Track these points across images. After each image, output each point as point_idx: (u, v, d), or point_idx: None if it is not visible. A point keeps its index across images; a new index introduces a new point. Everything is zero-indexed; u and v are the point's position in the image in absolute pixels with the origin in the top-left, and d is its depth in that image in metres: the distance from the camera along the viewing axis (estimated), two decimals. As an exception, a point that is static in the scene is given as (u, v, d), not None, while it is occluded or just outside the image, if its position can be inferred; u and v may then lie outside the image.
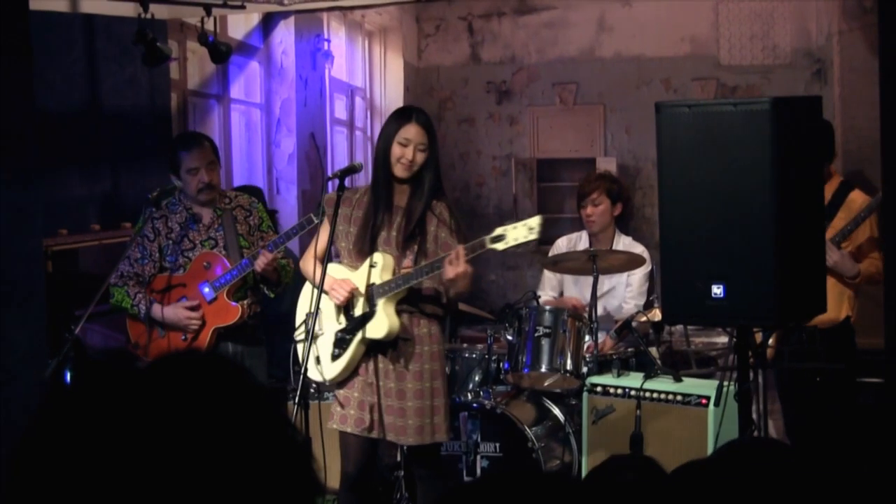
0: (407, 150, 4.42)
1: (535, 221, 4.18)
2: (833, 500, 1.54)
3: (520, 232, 4.18)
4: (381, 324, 4.38)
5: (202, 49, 6.74)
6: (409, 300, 4.47)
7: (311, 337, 4.37)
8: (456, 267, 4.19)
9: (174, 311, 5.03)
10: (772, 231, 3.79)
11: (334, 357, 4.46)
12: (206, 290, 5.07)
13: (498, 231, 4.22)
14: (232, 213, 5.22)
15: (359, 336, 4.42)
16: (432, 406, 4.46)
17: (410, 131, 4.44)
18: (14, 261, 4.44)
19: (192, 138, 5.29)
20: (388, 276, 4.40)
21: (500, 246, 4.22)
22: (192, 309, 5.03)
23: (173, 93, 7.32)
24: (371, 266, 4.43)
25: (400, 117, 4.52)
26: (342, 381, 4.51)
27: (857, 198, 5.39)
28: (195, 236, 5.15)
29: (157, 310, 5.04)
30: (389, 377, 4.44)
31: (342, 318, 4.49)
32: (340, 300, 4.44)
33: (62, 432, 1.12)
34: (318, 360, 4.45)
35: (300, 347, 4.62)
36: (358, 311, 4.45)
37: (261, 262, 4.90)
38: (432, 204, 4.48)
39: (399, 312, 4.44)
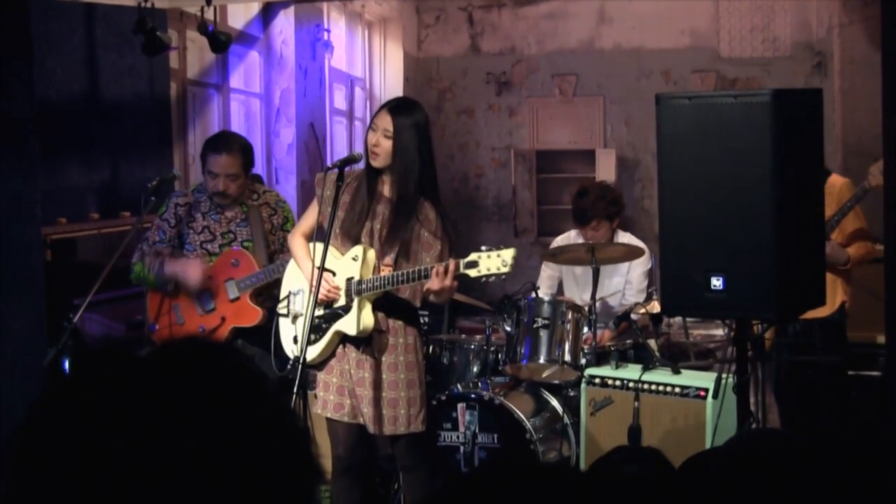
0: (373, 136, 4.40)
1: (508, 255, 4.09)
2: (842, 492, 1.54)
3: (493, 263, 4.10)
4: (355, 322, 4.37)
5: (202, 38, 6.73)
6: (386, 294, 4.44)
7: (294, 317, 4.41)
8: (442, 280, 4.15)
9: (183, 263, 5.01)
10: (772, 223, 3.79)
11: (311, 341, 4.47)
12: (231, 287, 5.04)
13: (472, 256, 4.14)
14: (259, 209, 5.17)
15: (333, 327, 4.43)
16: (407, 397, 4.45)
17: (378, 117, 4.43)
18: (13, 249, 4.45)
19: (224, 144, 5.08)
20: (368, 272, 4.38)
21: (472, 273, 4.14)
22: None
23: (173, 82, 7.31)
24: (353, 259, 4.41)
25: (380, 106, 4.55)
26: (320, 364, 4.52)
27: (837, 181, 5.40)
28: (216, 228, 5.10)
29: (168, 264, 5.02)
30: (364, 367, 4.44)
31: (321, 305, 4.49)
32: (321, 297, 4.44)
33: (61, 421, 1.12)
34: (295, 340, 4.45)
35: (282, 322, 4.62)
36: (336, 302, 4.44)
37: None
38: (420, 203, 4.44)
39: (374, 305, 4.43)
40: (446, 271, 4.14)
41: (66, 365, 4.44)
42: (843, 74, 9.69)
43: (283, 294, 4.66)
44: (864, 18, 9.50)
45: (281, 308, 4.63)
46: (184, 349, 1.21)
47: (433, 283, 4.17)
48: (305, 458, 1.20)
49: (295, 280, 4.64)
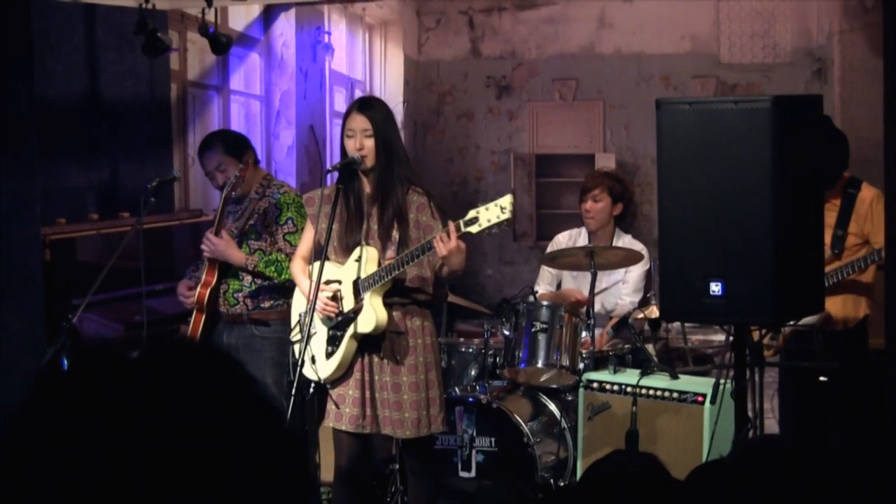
0: (354, 141, 4.40)
1: (506, 200, 4.06)
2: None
3: (492, 213, 4.07)
4: (369, 317, 4.36)
5: (202, 40, 6.72)
6: (399, 293, 4.44)
7: (306, 337, 4.34)
8: (448, 243, 4.12)
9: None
10: (770, 229, 3.79)
11: (328, 355, 4.45)
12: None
13: (471, 214, 4.11)
14: (258, 202, 5.19)
15: (349, 332, 4.40)
16: (428, 398, 4.45)
17: (352, 122, 4.43)
18: (12, 249, 4.45)
19: (204, 143, 5.28)
20: (372, 269, 4.38)
21: (474, 229, 4.10)
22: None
23: (173, 83, 7.31)
24: (356, 261, 4.41)
25: (345, 112, 4.55)
26: (337, 378, 4.49)
27: (866, 197, 5.08)
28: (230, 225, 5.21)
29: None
30: (384, 371, 4.43)
31: (333, 316, 4.47)
32: (329, 312, 4.43)
33: (50, 421, 1.12)
34: (313, 360, 4.42)
35: (297, 348, 4.60)
36: (346, 307, 4.43)
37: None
38: (408, 192, 4.44)
39: (390, 306, 4.42)
40: (449, 235, 4.13)
41: (65, 365, 4.43)
42: (843, 81, 9.70)
43: (293, 320, 4.64)
44: (864, 25, 9.50)
45: (294, 335, 4.60)
46: (175, 351, 1.20)
47: (440, 251, 4.14)
48: (297, 461, 1.19)
49: (302, 303, 4.60)
